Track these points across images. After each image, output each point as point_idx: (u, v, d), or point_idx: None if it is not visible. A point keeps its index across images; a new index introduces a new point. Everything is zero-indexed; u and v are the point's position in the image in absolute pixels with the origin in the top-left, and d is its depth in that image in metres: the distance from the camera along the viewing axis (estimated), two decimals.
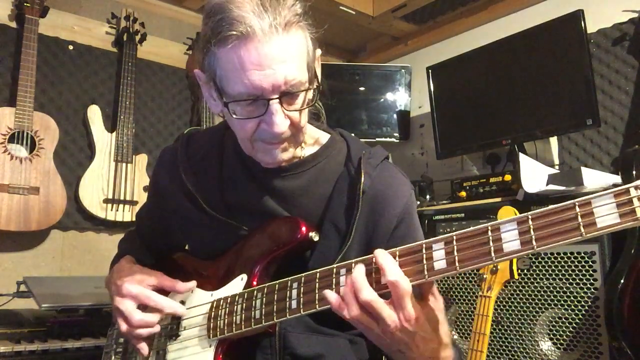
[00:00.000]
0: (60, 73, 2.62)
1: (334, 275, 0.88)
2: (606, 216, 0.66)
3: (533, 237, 0.71)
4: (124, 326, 1.07)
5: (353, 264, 0.86)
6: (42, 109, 2.48)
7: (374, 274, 0.83)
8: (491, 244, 0.74)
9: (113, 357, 1.21)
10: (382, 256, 0.81)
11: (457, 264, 0.76)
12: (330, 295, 0.84)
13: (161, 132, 2.91)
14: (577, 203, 0.68)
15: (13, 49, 2.47)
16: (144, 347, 1.08)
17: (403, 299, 0.78)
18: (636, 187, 0.64)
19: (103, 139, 2.61)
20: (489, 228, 0.75)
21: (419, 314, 0.81)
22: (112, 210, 2.56)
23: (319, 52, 1.04)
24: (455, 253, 0.76)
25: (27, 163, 2.32)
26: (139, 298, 1.06)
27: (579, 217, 0.68)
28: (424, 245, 0.80)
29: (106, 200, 2.55)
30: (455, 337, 2.11)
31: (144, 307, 1.08)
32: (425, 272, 0.79)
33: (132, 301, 1.06)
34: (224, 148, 1.16)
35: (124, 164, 2.62)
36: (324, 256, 1.02)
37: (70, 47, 2.67)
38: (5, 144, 2.28)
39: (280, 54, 0.90)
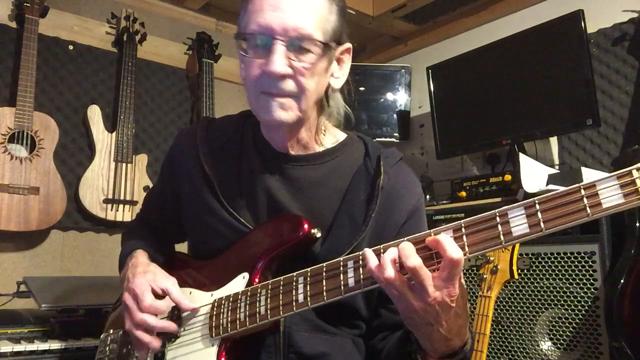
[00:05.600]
0: (60, 73, 2.62)
1: (341, 268, 0.88)
2: (611, 197, 0.69)
3: (541, 219, 0.73)
4: (127, 322, 1.06)
5: (371, 253, 0.84)
6: (42, 109, 2.48)
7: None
8: (500, 228, 0.76)
9: None
10: (441, 235, 0.80)
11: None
12: (370, 254, 0.82)
13: (161, 132, 2.91)
14: (582, 186, 0.71)
15: (13, 49, 2.46)
16: (153, 342, 1.04)
17: (457, 276, 0.79)
18: (638, 169, 0.68)
19: (103, 139, 2.61)
20: (497, 214, 0.77)
21: (458, 290, 0.81)
22: (112, 210, 2.56)
23: (347, 45, 1.08)
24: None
25: (27, 163, 2.32)
26: (136, 299, 1.04)
27: (585, 199, 0.70)
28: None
29: (106, 200, 2.55)
30: None
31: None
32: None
33: (134, 300, 1.05)
34: (243, 136, 1.17)
35: (124, 164, 2.62)
36: (336, 246, 1.03)
37: (70, 47, 2.66)
38: (5, 144, 2.28)
39: (297, 3, 0.97)
